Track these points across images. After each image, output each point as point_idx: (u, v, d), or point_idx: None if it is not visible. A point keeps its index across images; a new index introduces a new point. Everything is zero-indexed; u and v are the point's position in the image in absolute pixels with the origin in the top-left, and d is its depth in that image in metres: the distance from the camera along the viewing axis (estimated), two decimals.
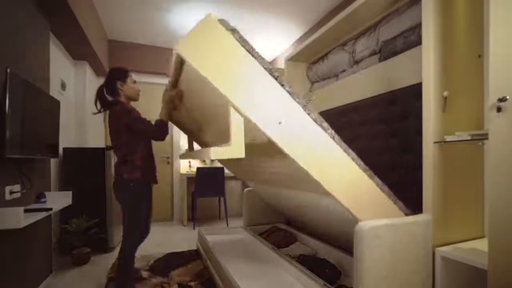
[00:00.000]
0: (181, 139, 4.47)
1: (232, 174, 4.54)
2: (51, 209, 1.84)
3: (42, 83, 2.17)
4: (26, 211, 1.58)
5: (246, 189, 2.99)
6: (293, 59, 2.92)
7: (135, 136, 1.79)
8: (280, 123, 1.29)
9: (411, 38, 1.80)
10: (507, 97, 1.04)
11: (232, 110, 1.23)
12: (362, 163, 1.46)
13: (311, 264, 1.91)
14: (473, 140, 1.37)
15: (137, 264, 2.51)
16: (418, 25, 1.69)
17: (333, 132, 1.41)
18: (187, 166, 4.52)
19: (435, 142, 1.46)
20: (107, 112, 1.87)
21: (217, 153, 1.26)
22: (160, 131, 1.77)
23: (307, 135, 1.35)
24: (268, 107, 1.29)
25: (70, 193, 2.24)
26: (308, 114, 1.36)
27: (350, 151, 1.45)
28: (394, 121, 1.92)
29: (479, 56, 1.58)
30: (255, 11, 3.21)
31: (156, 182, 1.96)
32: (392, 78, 1.94)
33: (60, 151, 2.54)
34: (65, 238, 2.63)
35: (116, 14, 3.31)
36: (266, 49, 4.30)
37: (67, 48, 2.96)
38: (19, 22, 1.83)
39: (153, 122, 1.80)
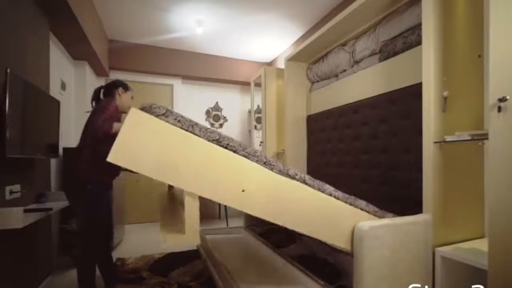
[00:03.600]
0: None
1: None
2: (51, 209, 1.84)
3: (42, 83, 2.17)
4: (26, 211, 1.58)
5: None
6: (293, 59, 2.92)
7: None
8: (243, 190, 1.25)
9: (411, 38, 1.80)
10: (507, 97, 1.04)
11: (187, 198, 1.18)
12: (340, 194, 1.45)
13: (311, 264, 1.91)
14: (473, 140, 1.37)
15: (137, 264, 2.51)
16: (418, 25, 1.69)
17: (302, 175, 1.39)
18: None
19: (435, 142, 1.46)
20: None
21: (169, 242, 1.20)
22: (107, 125, 1.61)
23: (275, 190, 1.32)
24: (227, 179, 1.24)
25: None
26: (271, 169, 1.33)
27: (326, 186, 1.43)
28: (394, 121, 1.92)
29: (479, 56, 1.58)
30: (255, 11, 3.21)
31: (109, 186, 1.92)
32: (392, 78, 1.94)
33: (60, 151, 2.54)
34: (65, 238, 2.63)
35: (116, 14, 3.31)
36: (266, 49, 4.30)
37: (67, 48, 2.96)
38: (19, 22, 1.83)
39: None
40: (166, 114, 1.18)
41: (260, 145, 3.85)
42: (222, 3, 3.05)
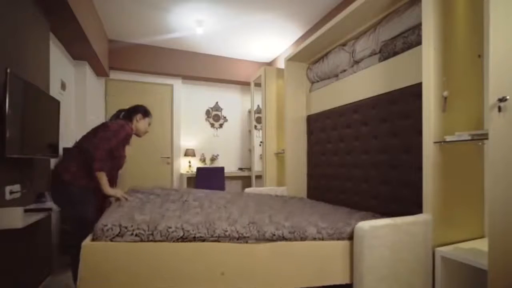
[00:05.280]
0: (181, 139, 4.47)
1: (232, 174, 4.55)
2: (51, 209, 1.84)
3: (42, 83, 2.17)
4: (26, 211, 1.58)
5: (246, 189, 2.99)
6: (293, 59, 2.92)
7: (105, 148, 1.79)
8: (223, 273, 1.26)
9: (411, 38, 1.80)
10: (507, 97, 1.04)
11: None
12: (324, 232, 1.46)
13: None
14: (473, 140, 1.37)
15: None
16: (418, 25, 1.69)
17: (280, 232, 1.39)
18: (187, 166, 4.52)
19: (435, 142, 1.46)
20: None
21: None
22: (98, 165, 1.72)
23: (255, 261, 1.32)
24: (203, 270, 1.25)
25: None
26: (246, 241, 1.34)
27: (308, 232, 1.44)
28: (394, 121, 1.92)
29: (479, 56, 1.58)
30: (255, 11, 3.20)
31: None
32: (392, 78, 1.94)
33: (60, 151, 2.54)
34: (65, 238, 2.63)
35: (116, 14, 3.31)
36: (266, 49, 4.30)
37: (67, 48, 2.96)
38: (19, 22, 1.83)
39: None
40: (121, 233, 1.18)
41: (260, 145, 3.85)
42: (222, 3, 3.05)
